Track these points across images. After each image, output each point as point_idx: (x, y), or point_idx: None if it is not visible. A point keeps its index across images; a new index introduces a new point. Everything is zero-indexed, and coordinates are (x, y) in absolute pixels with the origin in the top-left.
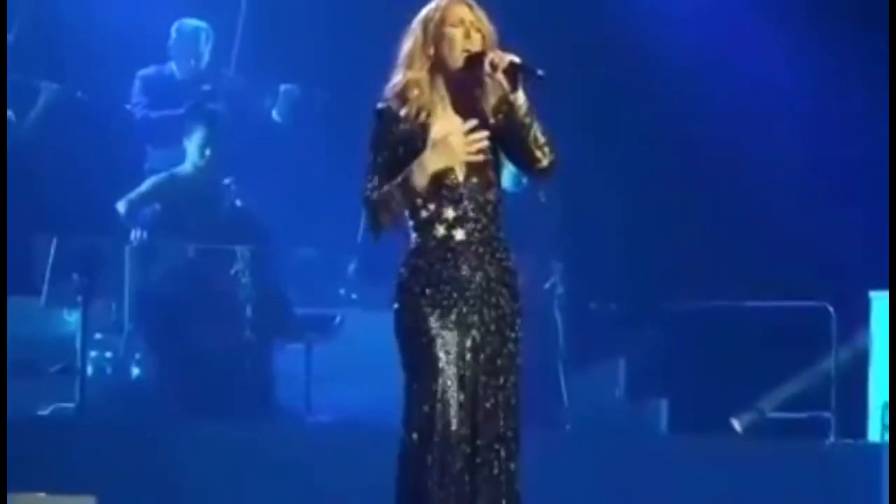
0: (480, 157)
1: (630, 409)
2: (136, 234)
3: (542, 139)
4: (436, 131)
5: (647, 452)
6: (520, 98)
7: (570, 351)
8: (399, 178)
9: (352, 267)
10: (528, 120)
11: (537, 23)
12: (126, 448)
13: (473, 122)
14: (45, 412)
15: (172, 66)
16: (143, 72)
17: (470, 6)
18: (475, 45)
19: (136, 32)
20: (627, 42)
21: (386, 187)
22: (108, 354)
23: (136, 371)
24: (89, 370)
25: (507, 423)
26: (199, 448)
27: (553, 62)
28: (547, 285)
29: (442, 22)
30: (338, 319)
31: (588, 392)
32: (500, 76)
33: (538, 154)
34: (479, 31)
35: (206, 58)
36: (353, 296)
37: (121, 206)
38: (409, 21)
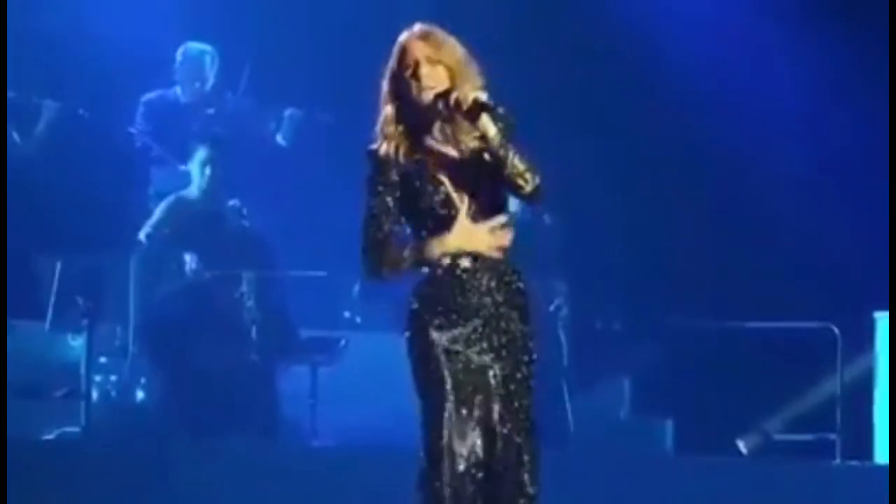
0: (499, 254)
1: (635, 430)
2: (189, 265)
3: (521, 167)
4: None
5: (652, 473)
6: (490, 130)
7: (576, 371)
8: (413, 246)
9: (356, 289)
10: (502, 151)
11: (538, 29)
12: (131, 472)
13: (502, 220)
14: (50, 436)
15: (177, 89)
16: (147, 96)
17: (426, 38)
18: (437, 80)
19: (141, 52)
20: (632, 57)
21: (399, 252)
22: (113, 378)
23: (140, 395)
24: (94, 394)
25: (524, 447)
26: (204, 471)
27: (556, 72)
28: (552, 308)
29: (398, 65)
30: (343, 342)
31: (593, 412)
32: (463, 113)
33: (520, 182)
34: (438, 62)
35: (211, 81)
36: (358, 319)
37: (144, 238)
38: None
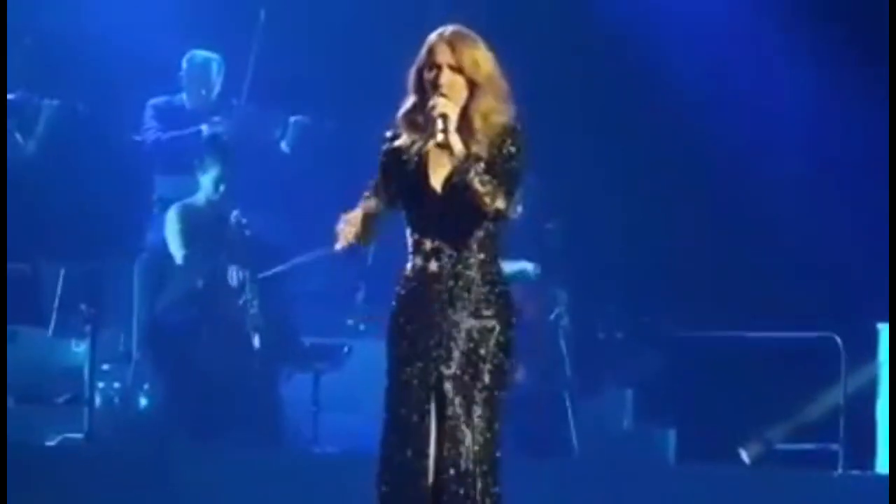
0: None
1: (638, 438)
2: (232, 274)
3: (480, 189)
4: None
5: (654, 481)
6: (456, 146)
7: (578, 380)
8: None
9: (360, 296)
10: (464, 167)
11: (537, 30)
12: (134, 478)
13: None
14: (53, 443)
15: (183, 96)
16: (153, 101)
17: (453, 44)
18: (454, 89)
19: (146, 57)
20: (632, 59)
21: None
22: (116, 385)
23: (144, 401)
24: (97, 400)
25: (479, 456)
26: (207, 477)
27: (559, 77)
28: (552, 316)
29: (423, 65)
30: (346, 349)
31: (596, 421)
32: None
33: (478, 202)
34: (459, 71)
35: (217, 89)
36: (361, 326)
37: (182, 259)
38: (416, 52)
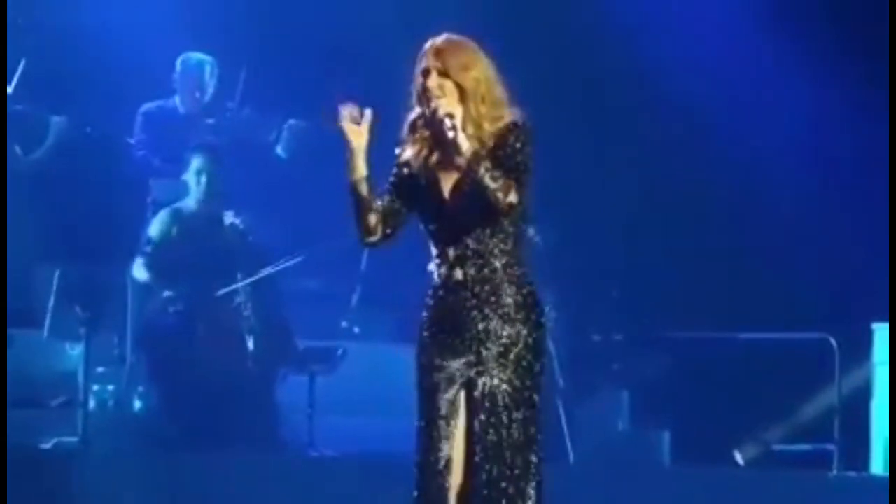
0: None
1: (633, 441)
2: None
3: (491, 185)
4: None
5: (650, 484)
6: (463, 146)
7: (573, 382)
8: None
9: (355, 298)
10: (474, 167)
11: (537, 34)
12: (129, 481)
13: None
14: (47, 446)
15: (176, 99)
16: (145, 107)
17: (441, 50)
18: (443, 93)
19: (143, 62)
20: (633, 62)
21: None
22: (111, 388)
23: (138, 404)
24: (92, 403)
25: (514, 459)
26: (202, 481)
27: (557, 76)
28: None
29: (418, 73)
30: (341, 352)
31: (591, 423)
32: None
33: (491, 199)
34: (447, 76)
35: (210, 91)
36: (356, 329)
37: (141, 274)
38: (414, 56)
